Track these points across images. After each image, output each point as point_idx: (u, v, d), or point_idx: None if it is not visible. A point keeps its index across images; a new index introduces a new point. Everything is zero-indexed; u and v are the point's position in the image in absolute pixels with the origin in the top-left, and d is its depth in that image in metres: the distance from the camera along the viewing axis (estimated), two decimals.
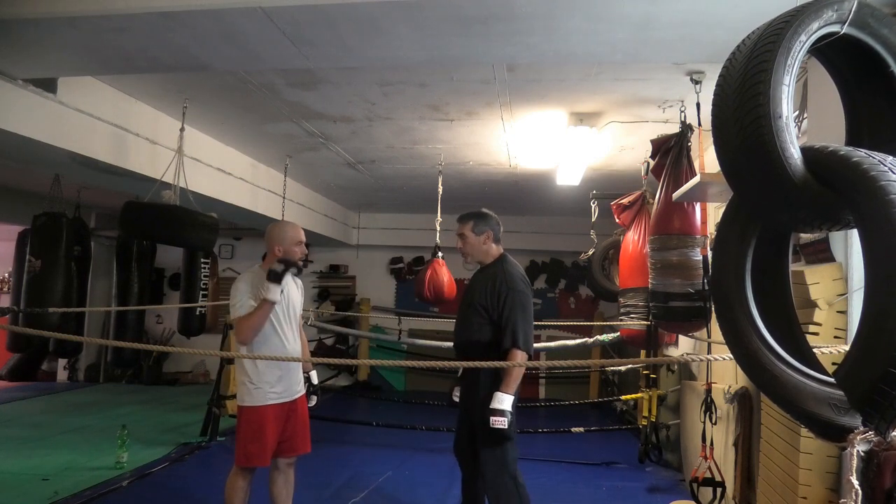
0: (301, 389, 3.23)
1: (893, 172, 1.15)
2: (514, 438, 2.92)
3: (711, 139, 1.45)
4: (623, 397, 5.93)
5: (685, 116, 3.62)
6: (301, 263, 3.10)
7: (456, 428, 3.24)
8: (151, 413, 6.83)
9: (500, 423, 2.74)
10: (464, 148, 5.36)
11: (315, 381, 3.42)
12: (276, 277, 2.90)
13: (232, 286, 3.05)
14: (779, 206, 1.35)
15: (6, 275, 9.27)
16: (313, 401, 3.39)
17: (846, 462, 1.85)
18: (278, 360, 3.03)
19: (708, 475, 3.35)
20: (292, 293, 3.20)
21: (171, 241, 4.89)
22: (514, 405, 2.87)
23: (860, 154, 1.22)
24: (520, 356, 2.83)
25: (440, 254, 5.66)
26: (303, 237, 3.17)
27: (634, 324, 4.26)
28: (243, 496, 3.05)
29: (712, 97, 1.44)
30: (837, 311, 2.37)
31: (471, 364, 2.66)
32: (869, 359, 1.15)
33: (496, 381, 2.83)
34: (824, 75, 1.61)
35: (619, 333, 4.88)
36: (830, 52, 1.46)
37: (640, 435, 5.12)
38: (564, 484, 4.74)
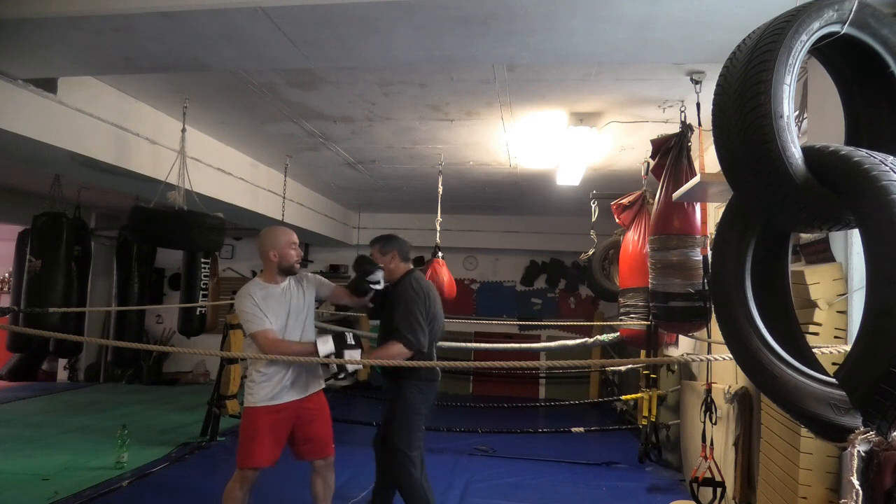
0: (315, 388, 3.18)
1: (894, 172, 1.15)
2: (418, 435, 3.27)
3: (711, 139, 1.45)
4: (623, 397, 5.93)
5: (685, 116, 3.62)
6: (298, 266, 3.13)
7: (378, 424, 3.57)
8: (151, 413, 6.83)
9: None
10: (464, 148, 5.36)
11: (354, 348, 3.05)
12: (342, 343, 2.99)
13: (236, 303, 3.01)
14: (779, 205, 1.35)
15: (6, 275, 9.26)
16: (358, 354, 3.02)
17: (846, 462, 1.85)
18: (261, 358, 2.97)
19: (708, 475, 3.35)
20: (294, 298, 3.10)
21: (180, 245, 4.89)
22: (428, 401, 3.33)
23: (861, 154, 1.21)
24: (395, 347, 3.09)
25: (440, 254, 5.66)
26: (295, 239, 3.12)
27: (634, 324, 4.26)
28: None
29: (713, 97, 1.44)
30: (837, 311, 2.37)
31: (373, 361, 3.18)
32: (870, 359, 1.15)
33: (398, 388, 3.26)
34: (824, 75, 1.61)
35: (619, 333, 4.87)
36: (830, 52, 1.46)
37: (640, 435, 5.11)
38: (564, 484, 4.74)
